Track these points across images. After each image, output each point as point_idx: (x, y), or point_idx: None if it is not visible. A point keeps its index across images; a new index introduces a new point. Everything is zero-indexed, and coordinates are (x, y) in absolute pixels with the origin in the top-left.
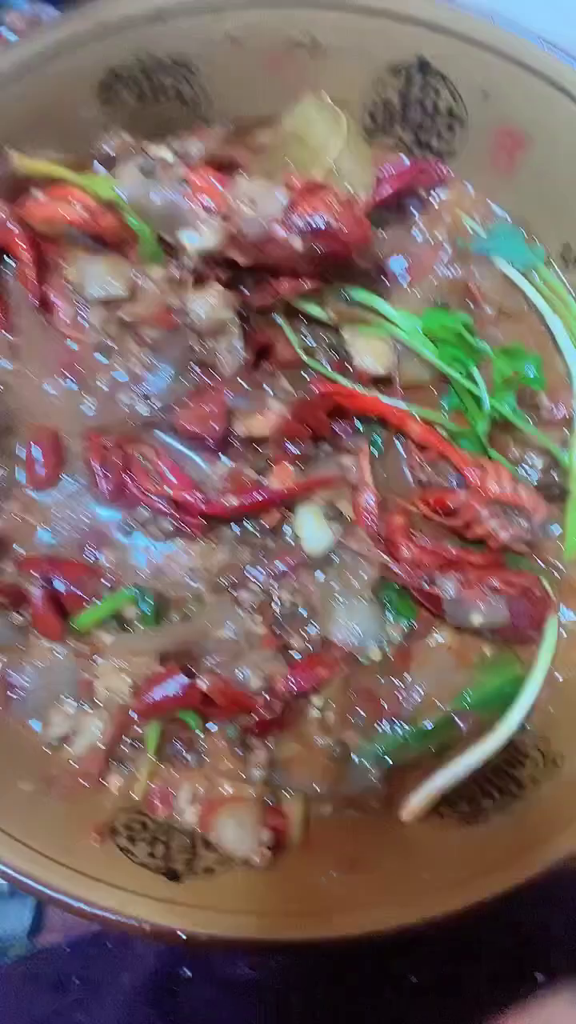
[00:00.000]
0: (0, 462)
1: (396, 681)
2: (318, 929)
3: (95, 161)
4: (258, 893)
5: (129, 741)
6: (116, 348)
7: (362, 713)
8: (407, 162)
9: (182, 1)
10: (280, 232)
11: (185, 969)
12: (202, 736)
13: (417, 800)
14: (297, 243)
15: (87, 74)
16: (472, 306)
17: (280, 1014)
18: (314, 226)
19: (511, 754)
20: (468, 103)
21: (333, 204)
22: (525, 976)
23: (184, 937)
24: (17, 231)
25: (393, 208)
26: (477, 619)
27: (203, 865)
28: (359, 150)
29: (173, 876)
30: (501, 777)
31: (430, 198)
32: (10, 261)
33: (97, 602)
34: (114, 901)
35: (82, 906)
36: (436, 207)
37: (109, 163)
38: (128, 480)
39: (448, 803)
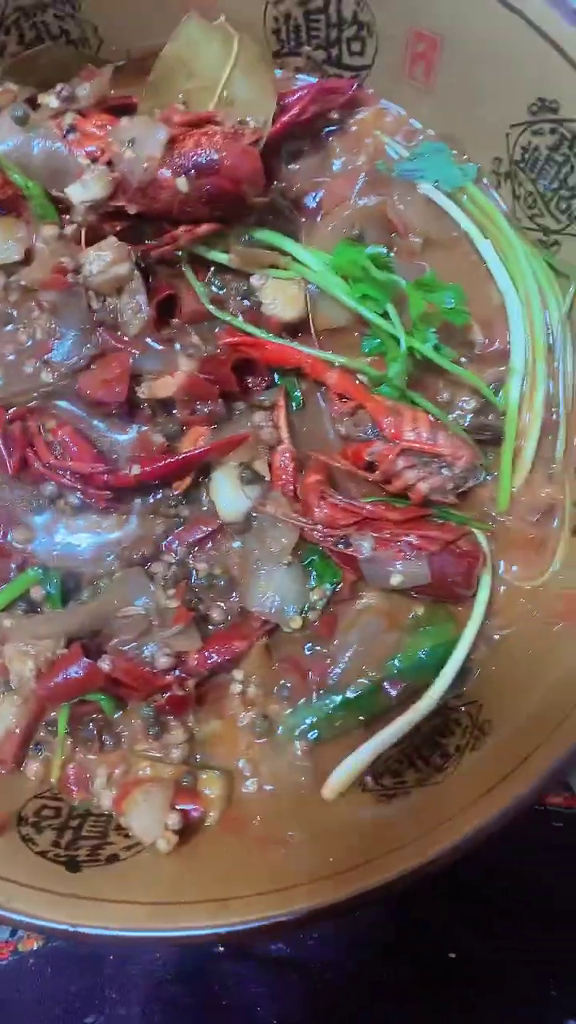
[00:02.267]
0: None
1: (321, 649)
2: (207, 918)
3: None
4: (159, 881)
5: (45, 725)
6: (18, 317)
7: (287, 684)
8: (312, 82)
9: None
10: (165, 174)
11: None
12: (117, 717)
13: (337, 776)
14: (183, 184)
15: None
16: (396, 237)
17: (313, 991)
18: (197, 163)
19: (441, 720)
20: (374, 6)
21: (216, 138)
22: None
23: (71, 931)
24: None
25: (307, 136)
26: (396, 579)
27: (108, 853)
28: (257, 74)
29: (73, 866)
30: (429, 746)
31: (347, 121)
32: None
33: (3, 586)
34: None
35: None
36: (354, 131)
37: None
38: (31, 455)
39: (373, 776)
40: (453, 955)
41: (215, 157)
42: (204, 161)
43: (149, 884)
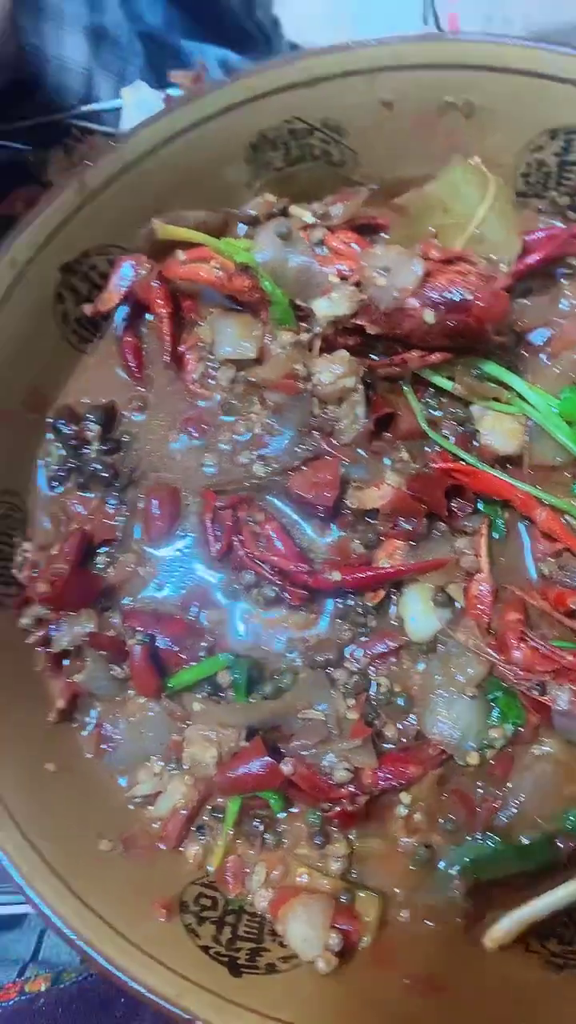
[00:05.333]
0: (121, 513)
1: (493, 788)
2: None
3: (239, 222)
4: (319, 1003)
5: (210, 810)
6: (240, 408)
7: (452, 818)
8: (558, 227)
9: (335, 66)
10: (413, 304)
11: None
12: (283, 817)
13: (503, 927)
14: (430, 316)
15: (237, 137)
16: None
17: None
18: (449, 300)
19: None
20: None
21: (471, 277)
22: None
23: None
24: (158, 288)
25: (539, 275)
26: None
27: (266, 960)
28: (506, 215)
29: (235, 970)
30: None
31: None
32: (148, 316)
33: (193, 663)
34: (171, 989)
35: (138, 988)
36: None
37: (252, 223)
38: (237, 543)
39: (538, 936)
40: None
41: (468, 297)
42: (456, 299)
43: (309, 1006)
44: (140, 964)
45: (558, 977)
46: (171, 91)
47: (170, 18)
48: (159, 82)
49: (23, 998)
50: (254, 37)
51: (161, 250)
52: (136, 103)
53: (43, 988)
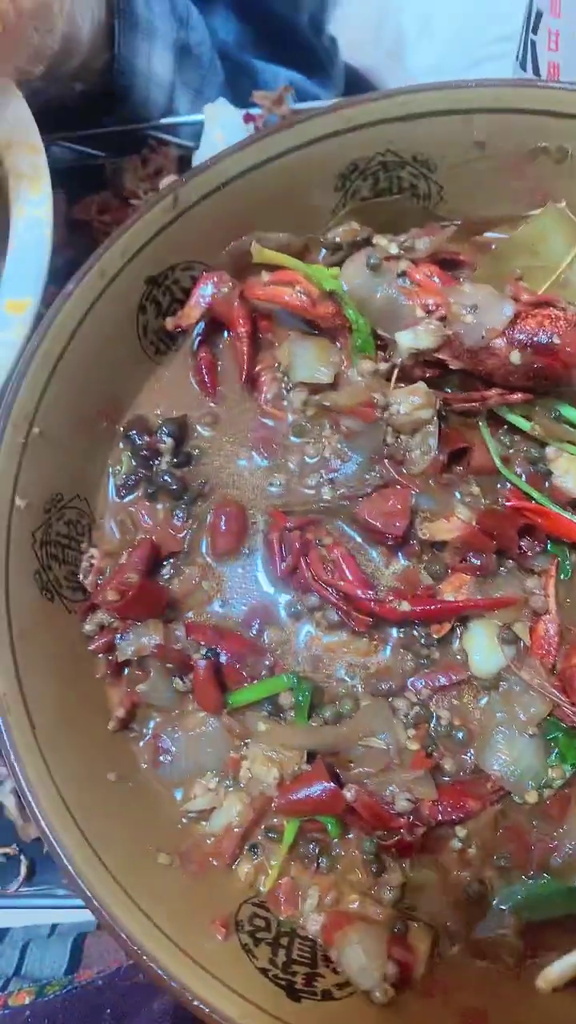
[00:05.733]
0: (188, 526)
1: (549, 828)
2: None
3: (322, 247)
4: None
5: (264, 830)
6: (311, 431)
7: (507, 855)
8: None
9: (434, 104)
10: (499, 344)
11: None
12: (337, 842)
13: (557, 969)
14: (516, 357)
15: (330, 165)
16: None
17: None
18: (536, 343)
19: None
20: None
21: (560, 322)
22: None
23: None
24: (239, 307)
25: None
26: None
27: (323, 987)
28: None
29: (293, 994)
30: None
31: None
32: (227, 334)
33: (255, 681)
34: (235, 1010)
35: (202, 1007)
36: None
37: (335, 249)
38: (304, 565)
39: None
40: None
41: (556, 341)
42: (544, 342)
43: None
44: (203, 983)
45: None
46: (252, 111)
47: (241, 36)
48: (234, 101)
49: (6, 1012)
50: (320, 58)
51: (243, 269)
52: (218, 120)
53: (27, 1001)
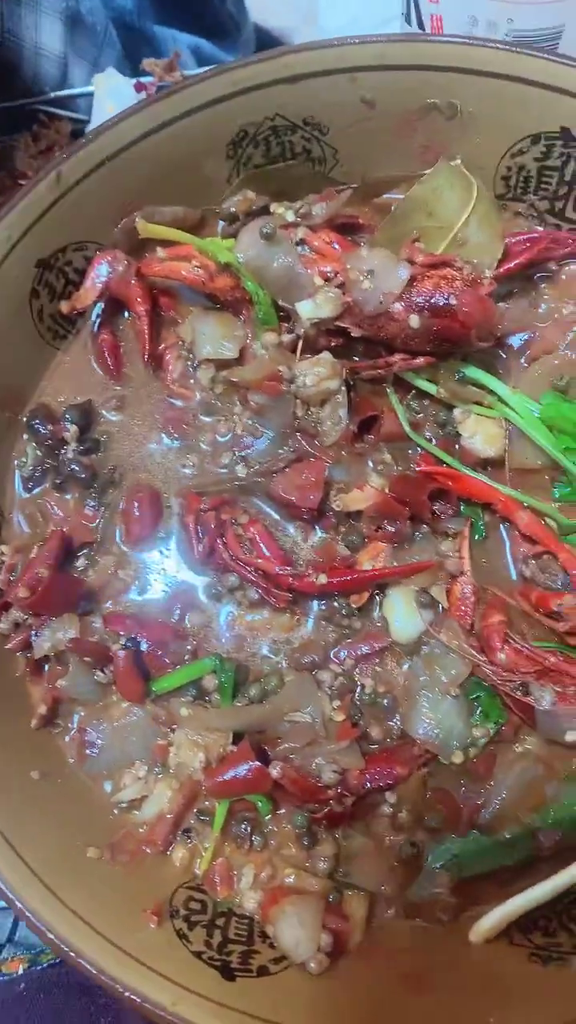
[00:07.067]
0: (100, 515)
1: (476, 786)
2: None
3: (219, 219)
4: (312, 1004)
5: (196, 813)
6: (221, 408)
7: (437, 816)
8: (539, 232)
9: (317, 63)
10: (398, 308)
11: None
12: (269, 818)
13: (487, 922)
14: (415, 321)
15: (218, 132)
16: None
17: None
18: (434, 305)
19: None
20: None
21: (456, 283)
22: None
23: None
24: (136, 286)
25: (519, 279)
26: (571, 736)
27: (258, 963)
28: (489, 219)
29: (228, 974)
30: None
31: (560, 270)
32: (127, 314)
33: (178, 667)
34: (166, 997)
35: (133, 997)
36: (564, 280)
37: (232, 220)
38: (221, 545)
39: (522, 929)
40: None
41: (452, 302)
42: (441, 303)
43: (303, 1007)
44: (134, 972)
45: (543, 970)
46: (144, 79)
47: (140, 1)
48: (133, 70)
49: (1, 979)
50: (224, 23)
51: (139, 246)
52: (108, 91)
53: (21, 970)
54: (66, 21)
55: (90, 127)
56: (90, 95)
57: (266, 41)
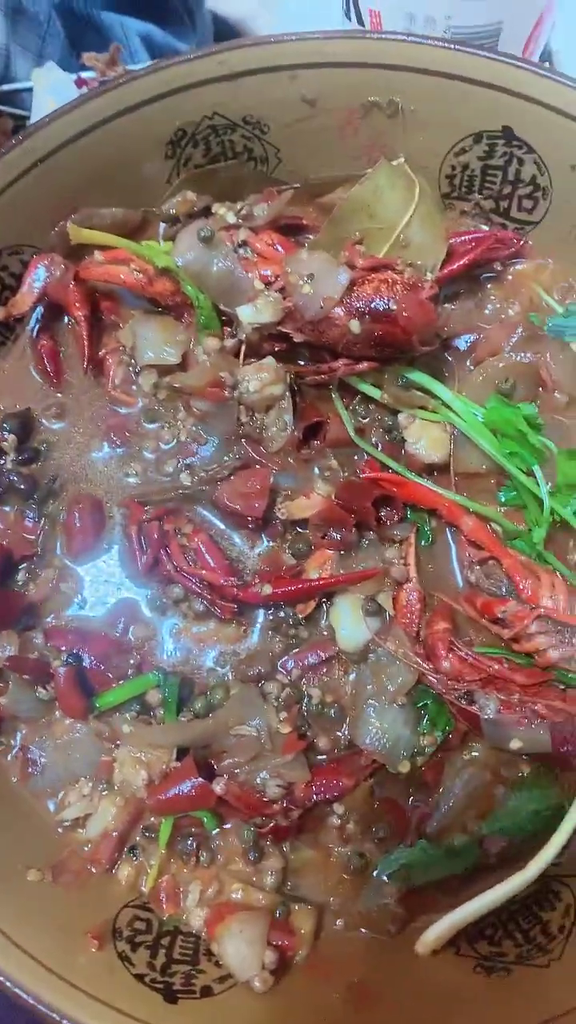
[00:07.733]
0: (41, 526)
1: (424, 795)
2: None
3: (159, 221)
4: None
5: (142, 830)
6: (164, 415)
7: (385, 826)
8: (484, 231)
9: (255, 61)
10: (338, 313)
11: None
12: (216, 833)
13: (433, 932)
14: (355, 326)
15: (156, 131)
16: (541, 390)
17: None
18: (374, 310)
19: (542, 892)
20: (554, 175)
21: (396, 287)
22: None
23: None
24: (74, 290)
25: (464, 279)
26: (516, 744)
27: (202, 983)
28: (432, 220)
29: (170, 996)
30: (527, 917)
31: (506, 270)
32: (67, 319)
33: (121, 682)
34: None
35: None
36: (511, 280)
37: (173, 222)
38: (164, 556)
39: (468, 939)
40: None
41: (393, 307)
42: (381, 308)
43: None
44: (72, 1001)
45: (488, 980)
46: (85, 75)
47: None
48: (79, 62)
49: None
50: (176, 8)
51: (77, 250)
52: (48, 86)
53: None
54: (7, 12)
55: (31, 123)
56: (31, 91)
57: (223, 29)
